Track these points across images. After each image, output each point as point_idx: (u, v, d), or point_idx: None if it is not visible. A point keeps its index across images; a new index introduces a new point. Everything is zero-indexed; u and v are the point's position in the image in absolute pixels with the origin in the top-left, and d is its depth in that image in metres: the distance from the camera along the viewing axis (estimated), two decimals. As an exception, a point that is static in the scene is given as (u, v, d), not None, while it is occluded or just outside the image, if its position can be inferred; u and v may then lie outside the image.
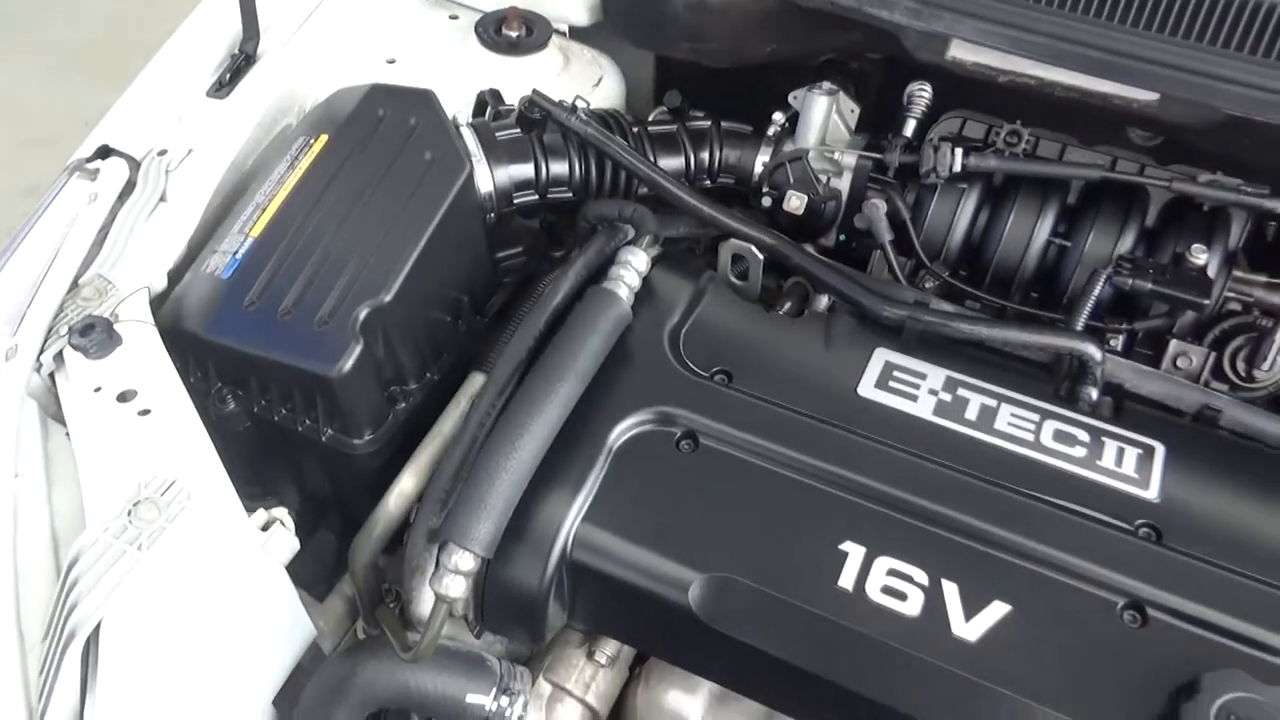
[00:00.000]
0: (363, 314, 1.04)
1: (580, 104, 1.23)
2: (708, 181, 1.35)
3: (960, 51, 1.19)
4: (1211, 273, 1.12)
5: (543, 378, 0.98)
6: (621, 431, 1.01)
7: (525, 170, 1.23)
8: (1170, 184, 1.12)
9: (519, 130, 1.24)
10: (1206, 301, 1.07)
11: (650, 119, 1.39)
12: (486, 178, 1.20)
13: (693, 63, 1.47)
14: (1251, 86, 1.06)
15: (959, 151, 1.16)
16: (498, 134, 1.22)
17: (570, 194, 1.26)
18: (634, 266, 1.10)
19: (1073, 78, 1.15)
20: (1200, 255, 1.09)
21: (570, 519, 0.96)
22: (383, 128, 1.18)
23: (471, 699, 1.03)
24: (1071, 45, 1.11)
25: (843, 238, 1.31)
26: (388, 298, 1.05)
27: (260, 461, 1.13)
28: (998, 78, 1.19)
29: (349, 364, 1.02)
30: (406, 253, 1.08)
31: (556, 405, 0.97)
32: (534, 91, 1.23)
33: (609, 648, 1.08)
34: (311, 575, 1.26)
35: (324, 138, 1.19)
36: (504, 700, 1.04)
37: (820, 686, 0.90)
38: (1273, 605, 0.88)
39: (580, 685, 1.07)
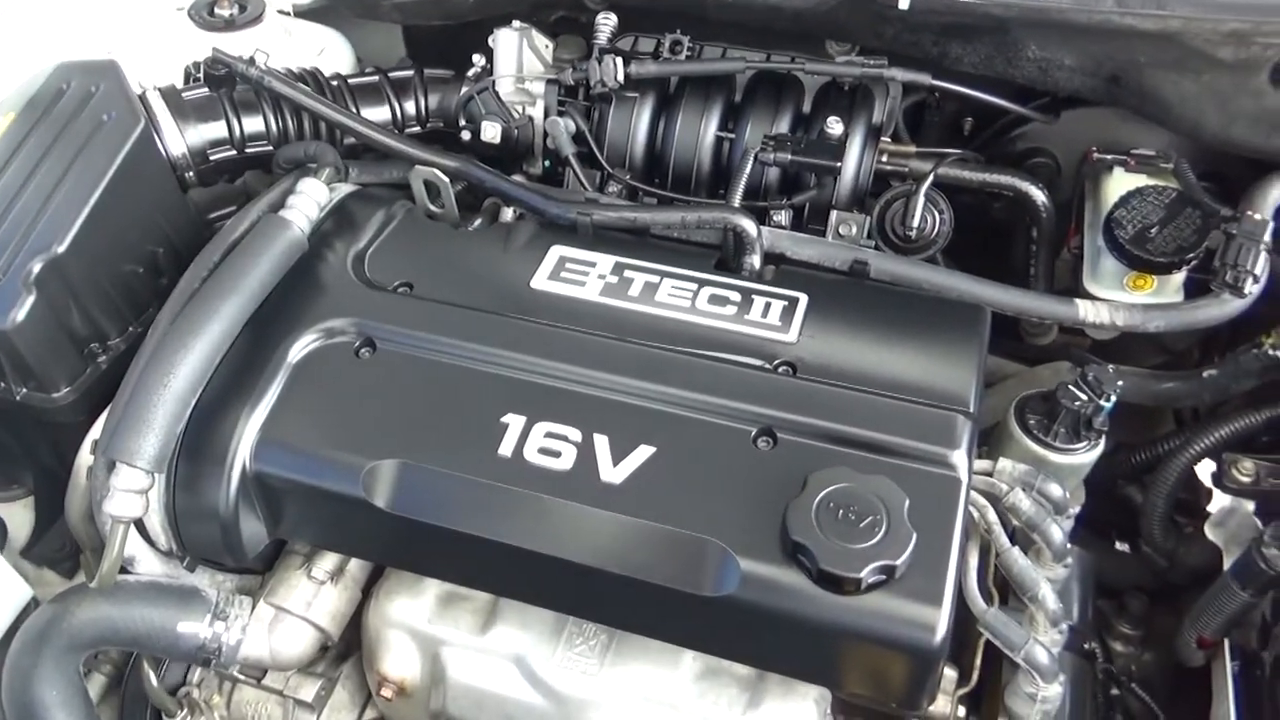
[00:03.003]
0: (36, 267, 1.06)
1: (260, 56, 1.27)
2: (418, 127, 1.41)
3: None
4: (856, 145, 1.22)
5: (204, 299, 1.02)
6: (301, 347, 1.05)
7: (217, 128, 1.26)
8: (804, 66, 1.22)
9: (208, 90, 1.27)
10: (838, 164, 1.16)
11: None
12: (177, 138, 1.23)
13: (440, 26, 1.54)
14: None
15: (620, 61, 1.24)
16: (185, 95, 1.26)
17: (271, 147, 1.30)
18: (309, 195, 1.14)
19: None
20: (835, 126, 1.19)
21: (246, 433, 0.99)
22: (65, 98, 1.21)
23: (184, 628, 1.04)
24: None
25: (547, 164, 1.38)
26: (60, 249, 1.07)
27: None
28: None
29: (21, 315, 1.04)
30: (79, 207, 1.10)
31: (219, 322, 1.00)
32: (214, 49, 1.27)
33: (326, 563, 1.11)
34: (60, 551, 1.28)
35: (10, 115, 1.21)
36: (219, 626, 1.06)
37: (489, 549, 0.95)
38: (887, 412, 0.97)
39: (301, 604, 1.10)
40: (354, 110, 1.35)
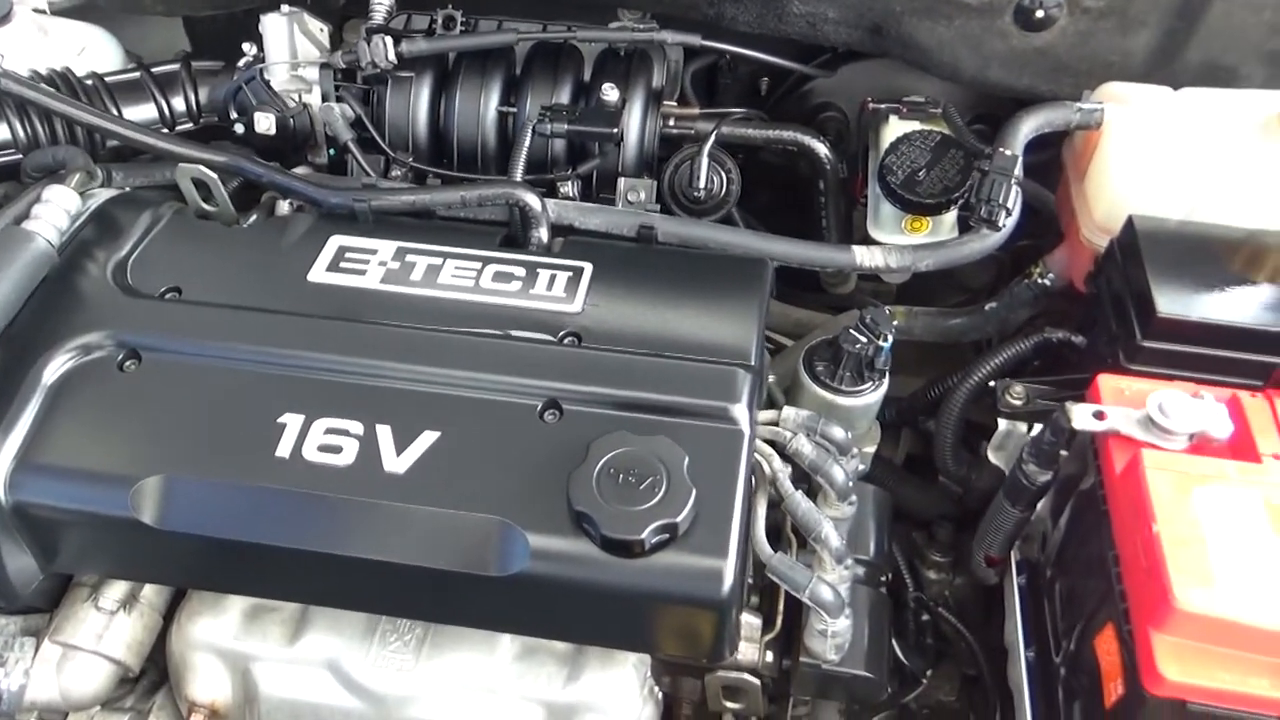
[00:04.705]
0: None
1: (-5, 60, 1.18)
2: (190, 124, 1.34)
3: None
4: (637, 110, 1.22)
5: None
6: (57, 367, 0.98)
7: (-47, 138, 1.17)
8: (577, 35, 1.22)
9: (-61, 99, 1.18)
10: (615, 130, 1.16)
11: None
12: (-94, 150, 1.13)
13: (226, 17, 1.45)
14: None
15: (390, 40, 1.20)
16: (-88, 105, 1.16)
17: (20, 155, 1.21)
18: (57, 203, 1.07)
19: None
20: (611, 93, 1.19)
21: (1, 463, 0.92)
22: None
23: (-43, 677, 0.97)
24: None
25: (331, 152, 1.33)
26: None
27: None
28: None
29: None
30: None
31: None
32: (-63, 54, 1.17)
33: (115, 592, 1.05)
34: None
35: None
36: (-2, 672, 0.99)
37: (274, 556, 0.91)
38: (670, 373, 0.97)
39: (90, 638, 1.03)
40: (113, 110, 1.27)
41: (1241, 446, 0.85)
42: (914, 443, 1.44)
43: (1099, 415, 0.88)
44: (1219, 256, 1.03)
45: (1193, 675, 0.73)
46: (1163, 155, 1.09)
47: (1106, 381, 0.93)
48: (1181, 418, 0.84)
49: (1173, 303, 0.96)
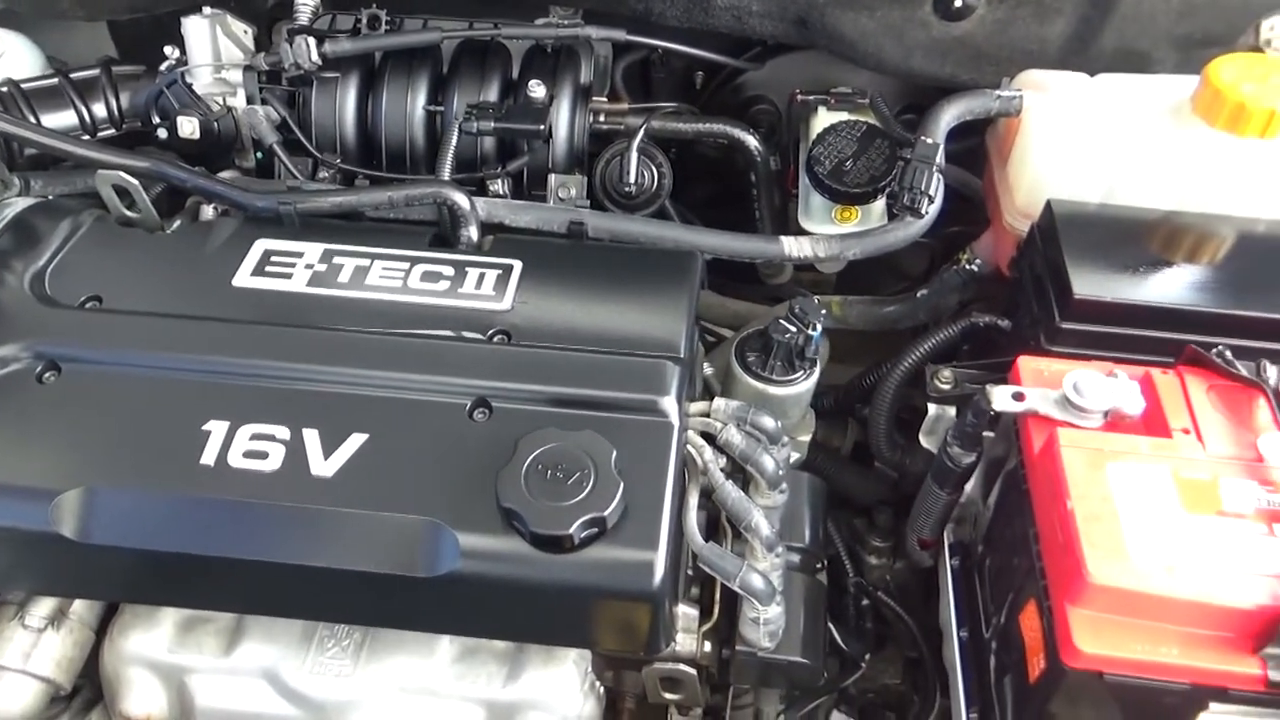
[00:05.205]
0: None
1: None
2: (112, 130, 1.31)
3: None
4: (565, 106, 1.22)
5: None
6: (-26, 381, 0.96)
7: None
8: (502, 32, 1.21)
9: None
10: (542, 127, 1.16)
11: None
12: None
13: (151, 20, 1.42)
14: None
15: (313, 41, 1.19)
16: None
17: (-70, 166, 1.18)
18: (-35, 215, 1.05)
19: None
20: (537, 89, 1.19)
21: (-89, 482, 0.90)
22: None
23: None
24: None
25: (259, 155, 1.31)
26: None
27: None
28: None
29: None
30: None
31: None
32: None
33: (42, 609, 1.03)
34: None
35: None
36: (-81, 697, 0.97)
37: (203, 565, 0.90)
38: (599, 367, 0.97)
39: (17, 657, 1.01)
40: (31, 117, 1.24)
41: (1154, 422, 0.87)
42: (860, 430, 1.46)
43: (1018, 396, 0.89)
44: (1134, 238, 1.06)
45: (1107, 647, 0.75)
46: (1080, 140, 1.11)
47: (1026, 363, 0.95)
48: (1096, 396, 0.86)
49: (1088, 284, 0.98)
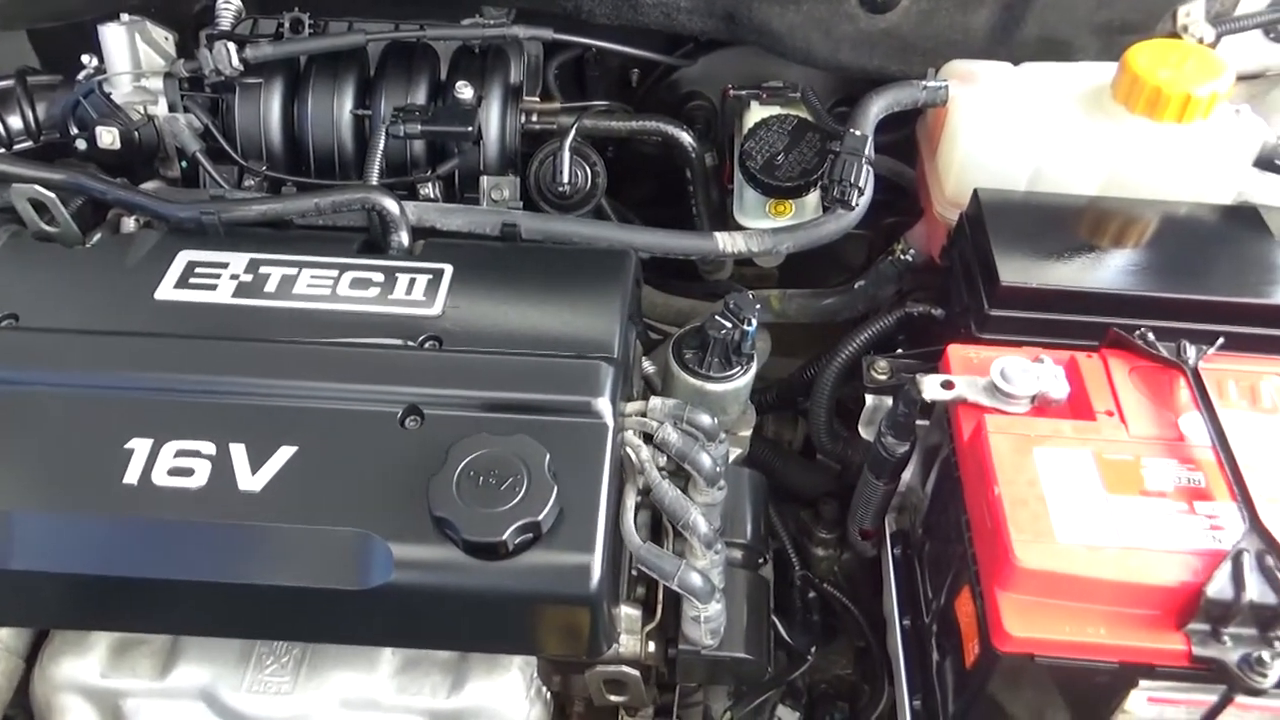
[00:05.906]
0: None
1: None
2: (29, 141, 1.28)
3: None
4: (495, 107, 1.21)
5: None
6: (-120, 410, 0.93)
7: None
8: (428, 34, 1.20)
9: None
10: (470, 129, 1.15)
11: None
12: None
13: (73, 29, 1.38)
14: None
15: (233, 46, 1.17)
16: None
17: None
18: (-127, 236, 1.01)
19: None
20: (465, 91, 1.17)
21: None
22: None
23: None
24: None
25: (184, 164, 1.28)
26: None
27: None
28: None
29: None
30: None
31: None
32: None
33: (-35, 638, 1.00)
34: None
35: None
36: None
37: (129, 587, 0.88)
38: (531, 370, 0.96)
39: (-59, 688, 0.99)
40: (-58, 132, 1.21)
41: (1078, 406, 0.88)
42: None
43: (947, 385, 0.90)
44: (1059, 224, 1.07)
45: (1037, 630, 0.76)
46: (1005, 129, 1.12)
47: (956, 351, 0.96)
48: (1022, 382, 0.87)
49: (1015, 271, 0.99)
